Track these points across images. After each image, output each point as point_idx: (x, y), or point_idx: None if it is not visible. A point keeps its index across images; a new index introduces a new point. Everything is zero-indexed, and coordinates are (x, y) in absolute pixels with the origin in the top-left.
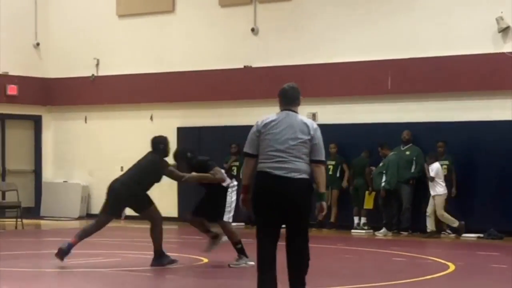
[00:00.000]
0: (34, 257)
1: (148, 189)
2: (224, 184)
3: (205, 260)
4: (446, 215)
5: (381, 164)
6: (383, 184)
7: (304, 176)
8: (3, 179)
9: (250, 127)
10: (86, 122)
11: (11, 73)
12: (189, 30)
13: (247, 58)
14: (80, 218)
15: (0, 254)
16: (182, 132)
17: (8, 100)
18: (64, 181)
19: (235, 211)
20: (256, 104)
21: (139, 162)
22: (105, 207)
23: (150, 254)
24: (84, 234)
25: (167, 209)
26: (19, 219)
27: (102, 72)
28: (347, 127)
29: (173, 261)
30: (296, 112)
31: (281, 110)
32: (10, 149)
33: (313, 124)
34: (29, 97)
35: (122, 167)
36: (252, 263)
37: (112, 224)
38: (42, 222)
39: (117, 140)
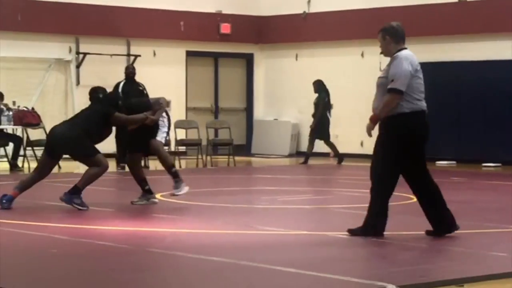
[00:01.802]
0: (245, 193)
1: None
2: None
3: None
4: None
5: None
6: None
7: None
8: (216, 117)
9: (462, 63)
10: (296, 59)
11: (224, 11)
12: None
13: None
14: (289, 155)
15: (215, 190)
16: None
17: (221, 38)
18: (275, 119)
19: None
20: (469, 39)
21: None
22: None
23: (360, 192)
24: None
25: None
26: (231, 156)
27: (313, 9)
28: None
29: (84, 205)
30: None
31: (404, 48)
32: (222, 87)
33: None
34: (242, 36)
35: (332, 105)
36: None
37: (321, 161)
38: (252, 159)
39: (327, 78)
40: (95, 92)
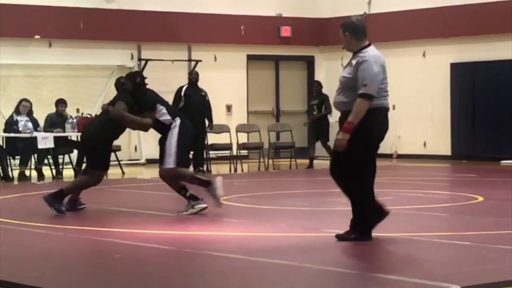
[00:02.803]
0: (308, 196)
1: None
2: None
3: (480, 198)
4: None
5: None
6: None
7: None
8: (278, 120)
9: None
10: None
11: (284, 14)
12: None
13: None
14: None
15: (277, 193)
16: (456, 68)
17: (282, 41)
18: (336, 121)
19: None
20: None
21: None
22: None
23: (423, 192)
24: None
25: (439, 147)
26: (293, 159)
27: (374, 10)
28: None
29: (61, 211)
30: None
31: (369, 44)
32: (283, 90)
33: None
34: (302, 38)
35: (394, 105)
36: (203, 205)
37: (383, 162)
38: (315, 161)
39: (389, 78)
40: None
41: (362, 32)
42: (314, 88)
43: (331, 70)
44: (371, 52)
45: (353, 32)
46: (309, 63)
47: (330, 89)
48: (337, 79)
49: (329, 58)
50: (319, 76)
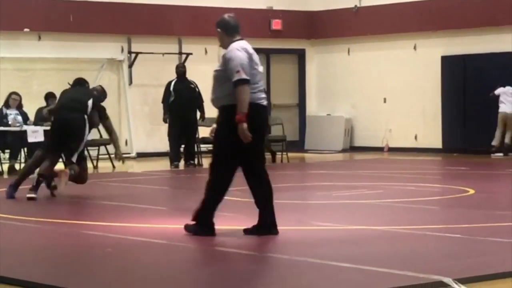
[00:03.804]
0: (299, 189)
1: None
2: None
3: (471, 191)
4: None
5: None
6: None
7: None
8: (269, 113)
9: None
10: (349, 54)
11: (275, 7)
12: None
13: None
14: (343, 151)
15: None
16: (447, 61)
17: (273, 35)
18: (328, 114)
19: None
20: None
21: None
22: None
23: (414, 185)
24: None
25: (430, 140)
26: (284, 153)
27: (364, 3)
28: None
29: (12, 196)
30: None
31: (240, 39)
32: (274, 83)
33: None
34: (293, 31)
35: (385, 99)
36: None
37: (374, 156)
38: (306, 155)
39: (380, 72)
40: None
41: (233, 29)
42: None
43: (322, 63)
44: (237, 43)
45: (224, 29)
46: (300, 56)
47: (322, 82)
48: (329, 72)
49: (320, 51)
50: (310, 69)
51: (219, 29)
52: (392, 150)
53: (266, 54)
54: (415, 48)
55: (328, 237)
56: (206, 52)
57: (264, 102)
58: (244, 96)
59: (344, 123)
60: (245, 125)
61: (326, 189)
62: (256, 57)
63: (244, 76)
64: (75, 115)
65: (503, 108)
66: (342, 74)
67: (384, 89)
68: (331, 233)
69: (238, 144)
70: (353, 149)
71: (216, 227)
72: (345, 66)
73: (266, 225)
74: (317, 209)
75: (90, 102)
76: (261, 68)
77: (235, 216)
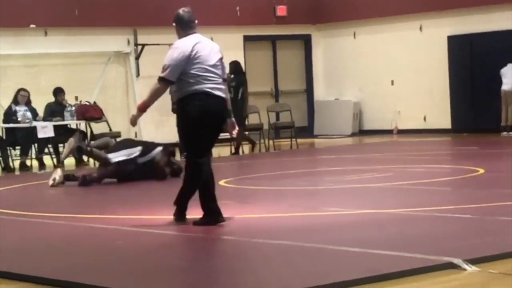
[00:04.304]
0: (309, 175)
1: None
2: None
3: (481, 170)
4: None
5: None
6: None
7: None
8: (277, 100)
9: None
10: (355, 37)
11: None
12: None
13: None
14: (352, 135)
15: (278, 173)
16: (453, 40)
17: (278, 21)
18: (336, 99)
19: None
20: None
21: None
22: None
23: (424, 167)
24: None
25: (439, 120)
26: (293, 139)
27: None
28: None
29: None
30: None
31: (192, 33)
32: (281, 70)
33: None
34: (298, 17)
35: (392, 81)
36: None
37: (384, 139)
38: (315, 140)
39: (386, 54)
40: None
41: (187, 23)
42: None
43: (328, 48)
44: (184, 39)
45: (178, 23)
46: (306, 41)
47: (329, 67)
48: (335, 57)
49: (326, 35)
50: (317, 54)
51: (174, 24)
52: (401, 132)
53: (272, 41)
54: (421, 29)
55: (337, 222)
56: (212, 41)
57: (216, 92)
58: (155, 92)
59: (352, 107)
60: (141, 113)
61: (336, 174)
62: (206, 51)
63: (164, 75)
64: None
65: (504, 86)
66: (348, 58)
67: (391, 72)
68: (341, 218)
69: (190, 133)
70: (362, 132)
71: (233, 215)
72: (352, 49)
73: (215, 216)
74: (326, 194)
75: None
76: (216, 58)
77: (244, 204)
